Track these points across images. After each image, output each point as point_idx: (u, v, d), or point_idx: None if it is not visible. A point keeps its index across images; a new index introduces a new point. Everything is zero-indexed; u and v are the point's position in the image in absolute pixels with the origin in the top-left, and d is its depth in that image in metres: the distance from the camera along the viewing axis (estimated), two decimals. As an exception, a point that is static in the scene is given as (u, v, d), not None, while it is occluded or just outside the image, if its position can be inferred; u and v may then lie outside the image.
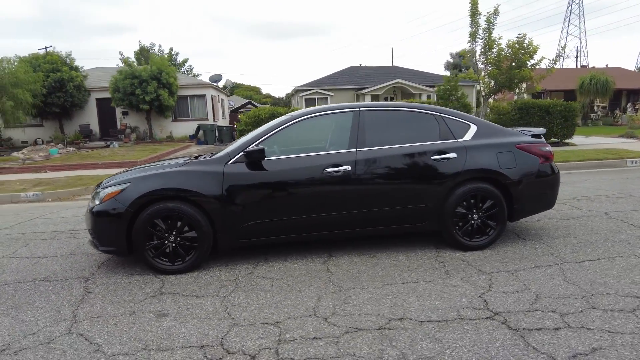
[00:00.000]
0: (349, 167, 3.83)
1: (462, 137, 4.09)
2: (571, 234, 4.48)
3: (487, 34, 13.78)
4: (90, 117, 22.29)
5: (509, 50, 13.75)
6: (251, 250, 4.28)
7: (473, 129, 4.15)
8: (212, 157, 3.94)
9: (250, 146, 3.86)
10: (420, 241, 4.37)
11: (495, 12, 13.58)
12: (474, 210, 4.01)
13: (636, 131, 16.68)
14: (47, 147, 18.19)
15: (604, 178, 8.08)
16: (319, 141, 4.33)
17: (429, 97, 23.69)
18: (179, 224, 3.71)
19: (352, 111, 4.08)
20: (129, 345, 2.62)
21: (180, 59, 38.39)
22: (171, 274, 3.74)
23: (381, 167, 3.90)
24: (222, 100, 27.67)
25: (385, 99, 25.32)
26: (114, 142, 19.81)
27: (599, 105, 27.82)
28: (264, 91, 62.44)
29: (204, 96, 23.11)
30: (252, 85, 61.93)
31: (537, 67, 14.06)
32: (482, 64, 14.50)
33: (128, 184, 3.74)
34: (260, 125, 5.56)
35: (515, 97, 20.01)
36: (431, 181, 3.94)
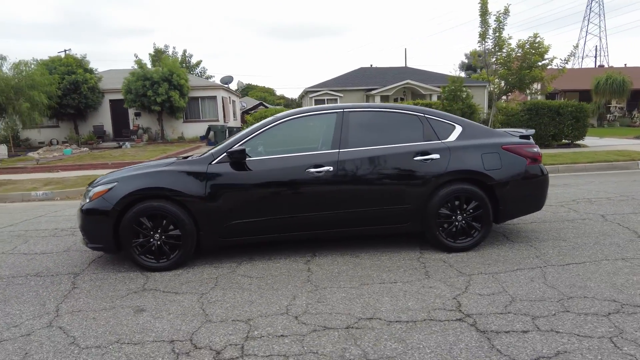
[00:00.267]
0: (331, 168, 3.86)
1: (446, 138, 4.07)
2: (562, 237, 4.40)
3: (497, 34, 13.57)
4: (104, 118, 22.82)
5: (519, 51, 13.54)
6: (237, 249, 4.34)
7: (458, 129, 4.13)
8: (197, 157, 4.03)
9: (235, 146, 3.92)
10: (406, 242, 4.36)
11: (506, 12, 13.33)
12: (458, 212, 3.99)
13: (653, 132, 16.21)
14: (62, 147, 18.71)
15: (611, 180, 7.90)
16: (305, 142, 4.37)
17: (439, 97, 23.44)
18: (164, 222, 3.79)
19: (335, 112, 4.11)
20: (103, 338, 2.70)
21: (194, 60, 39.09)
22: (156, 271, 3.84)
23: (363, 167, 3.91)
24: (234, 101, 27.96)
25: (395, 100, 25.18)
26: (126, 143, 20.23)
27: (615, 106, 27.12)
28: (278, 92, 63.13)
29: (214, 98, 23.42)
30: (266, 86, 62.71)
31: (549, 67, 13.79)
32: (492, 64, 14.30)
33: (116, 183, 3.85)
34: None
35: (528, 97, 19.64)
36: (414, 182, 3.93)
